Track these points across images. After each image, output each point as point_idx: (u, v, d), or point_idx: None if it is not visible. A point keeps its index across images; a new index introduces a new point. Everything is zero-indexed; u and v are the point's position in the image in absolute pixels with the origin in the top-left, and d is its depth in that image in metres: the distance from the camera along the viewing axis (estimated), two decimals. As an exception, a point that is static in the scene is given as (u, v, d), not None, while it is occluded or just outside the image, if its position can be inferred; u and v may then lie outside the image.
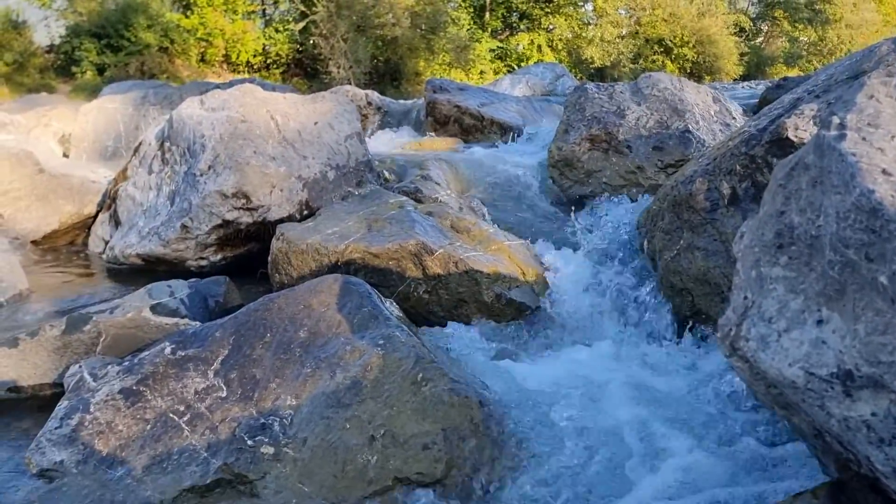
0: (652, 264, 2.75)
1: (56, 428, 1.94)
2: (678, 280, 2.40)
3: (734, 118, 3.95)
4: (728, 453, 1.78)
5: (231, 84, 5.87)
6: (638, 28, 26.51)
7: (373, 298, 2.18)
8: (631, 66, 25.76)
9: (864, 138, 0.97)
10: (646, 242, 2.81)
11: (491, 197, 3.54)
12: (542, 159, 4.20)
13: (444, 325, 2.55)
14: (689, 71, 25.95)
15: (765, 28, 30.47)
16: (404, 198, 3.10)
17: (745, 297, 1.22)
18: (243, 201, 3.20)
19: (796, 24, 28.94)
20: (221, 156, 3.27)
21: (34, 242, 4.34)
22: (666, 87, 3.83)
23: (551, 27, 25.97)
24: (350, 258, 2.63)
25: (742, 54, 26.97)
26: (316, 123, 3.48)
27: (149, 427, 1.92)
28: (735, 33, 27.23)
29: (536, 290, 2.65)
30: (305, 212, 3.24)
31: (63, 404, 2.01)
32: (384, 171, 3.65)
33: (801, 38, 29.61)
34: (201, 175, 3.33)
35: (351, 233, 2.73)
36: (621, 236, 3.05)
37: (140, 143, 4.11)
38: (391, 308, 2.25)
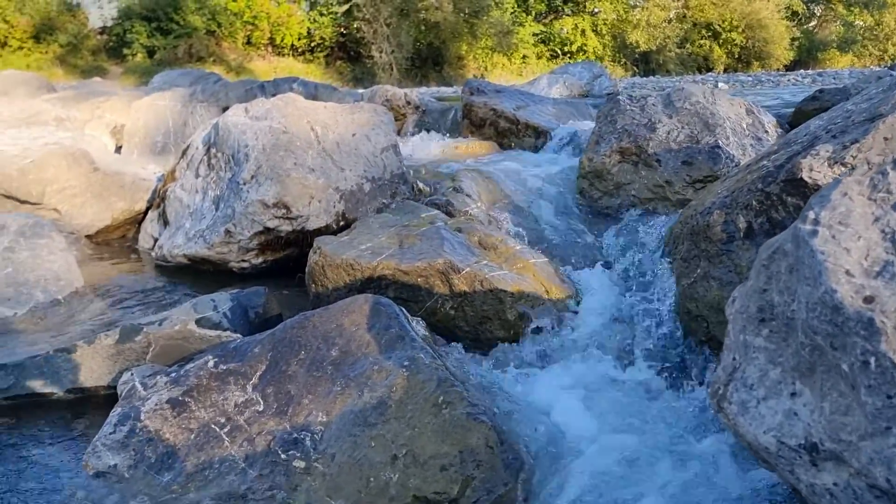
0: (674, 284, 2.84)
1: (110, 433, 2.14)
2: (694, 306, 2.49)
3: (766, 132, 3.98)
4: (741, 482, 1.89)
5: (275, 83, 6.07)
6: (686, 11, 26.05)
7: (400, 319, 2.33)
8: (677, 50, 25.39)
9: (833, 236, 1.06)
10: (668, 262, 2.90)
11: (520, 208, 3.65)
12: (574, 166, 4.28)
13: (470, 341, 2.68)
14: (737, 56, 25.48)
15: (818, 12, 29.58)
16: (436, 211, 3.23)
17: (734, 359, 1.32)
18: (283, 211, 3.37)
19: (852, 8, 28.03)
20: (264, 167, 3.43)
21: (88, 237, 4.60)
22: (698, 100, 3.87)
23: (596, 10, 25.67)
24: (382, 274, 2.78)
25: (793, 39, 26.31)
26: (354, 135, 3.63)
27: (193, 436, 2.10)
28: (787, 17, 26.55)
29: (559, 309, 2.76)
30: (342, 222, 3.40)
31: (116, 411, 2.21)
32: (417, 183, 3.78)
33: (856, 23, 28.65)
34: (244, 184, 3.50)
35: (383, 249, 2.88)
36: (645, 253, 3.13)
37: (188, 147, 4.32)
38: (418, 328, 2.39)
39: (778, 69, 24.92)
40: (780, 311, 1.18)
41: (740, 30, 25.00)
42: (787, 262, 1.15)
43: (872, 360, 0.99)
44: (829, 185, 1.14)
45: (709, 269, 2.42)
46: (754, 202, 2.27)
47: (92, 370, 2.54)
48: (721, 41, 25.37)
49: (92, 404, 2.55)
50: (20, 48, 20.56)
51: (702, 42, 25.33)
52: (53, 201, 4.45)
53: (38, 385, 2.52)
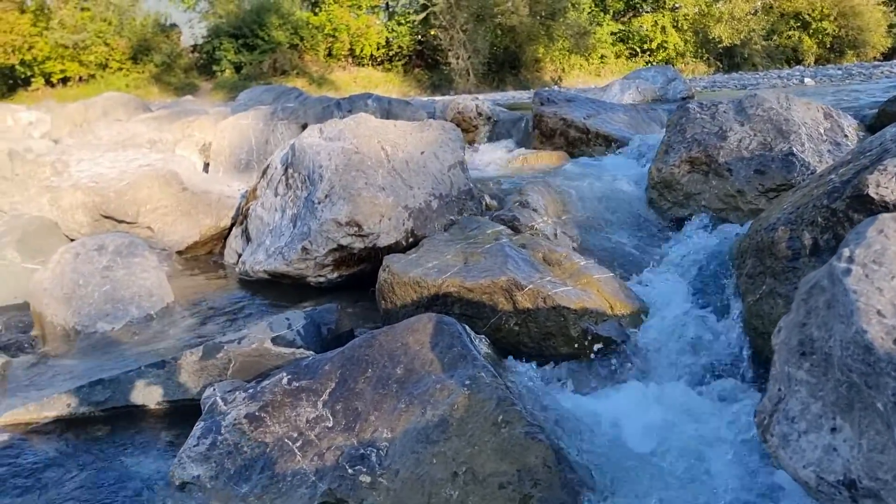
0: (741, 300, 2.80)
1: (194, 446, 2.30)
2: (760, 324, 2.46)
3: (846, 136, 3.84)
4: None
5: (350, 100, 6.27)
6: (772, 2, 25.00)
7: (462, 338, 2.40)
8: (763, 43, 24.40)
9: (866, 275, 1.06)
10: (736, 277, 2.85)
11: (588, 221, 3.66)
12: (643, 176, 4.25)
13: (534, 357, 2.73)
14: (829, 46, 24.28)
15: (919, -5, 27.83)
16: (501, 227, 3.29)
17: (779, 390, 1.33)
18: (355, 229, 3.50)
19: (957, -11, 26.27)
20: (336, 186, 3.58)
21: (179, 253, 4.90)
22: (771, 106, 3.78)
23: (677, 6, 24.98)
24: (447, 291, 2.86)
25: (891, 26, 24.83)
26: (422, 153, 3.73)
27: (268, 450, 2.24)
28: (883, 2, 25.08)
29: (624, 325, 2.77)
30: (410, 239, 3.51)
31: (200, 425, 2.37)
32: (485, 197, 3.85)
33: (963, 5, 26.81)
34: (319, 203, 3.66)
35: (448, 267, 2.96)
36: (714, 267, 3.09)
37: (268, 166, 4.53)
38: (480, 346, 2.46)
39: (875, 58, 23.63)
40: (819, 346, 1.19)
41: (832, 18, 23.77)
42: (825, 298, 1.15)
43: (905, 400, 1.00)
44: (866, 221, 1.14)
45: (775, 285, 2.39)
46: (819, 218, 2.23)
47: (179, 384, 2.74)
48: (811, 31, 24.19)
49: (179, 416, 2.75)
50: (119, 69, 21.95)
51: (790, 33, 24.21)
52: (147, 220, 4.78)
53: (131, 398, 2.73)
